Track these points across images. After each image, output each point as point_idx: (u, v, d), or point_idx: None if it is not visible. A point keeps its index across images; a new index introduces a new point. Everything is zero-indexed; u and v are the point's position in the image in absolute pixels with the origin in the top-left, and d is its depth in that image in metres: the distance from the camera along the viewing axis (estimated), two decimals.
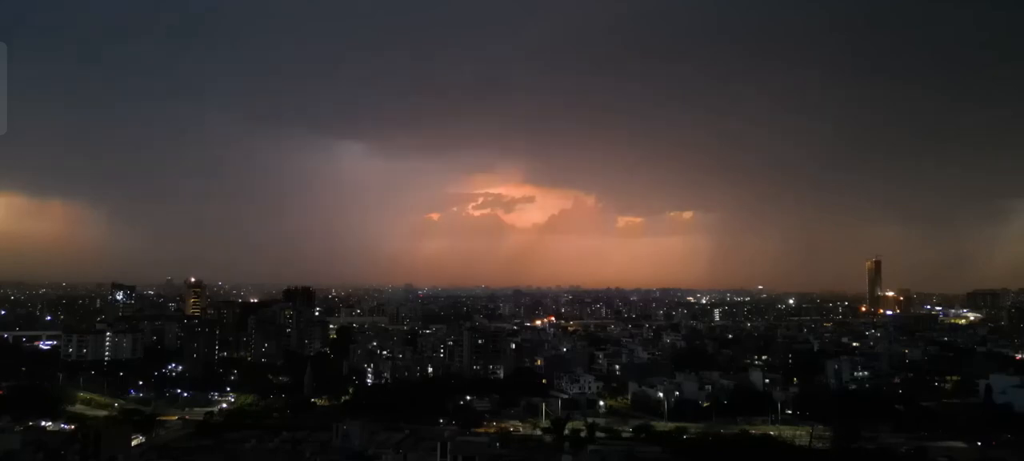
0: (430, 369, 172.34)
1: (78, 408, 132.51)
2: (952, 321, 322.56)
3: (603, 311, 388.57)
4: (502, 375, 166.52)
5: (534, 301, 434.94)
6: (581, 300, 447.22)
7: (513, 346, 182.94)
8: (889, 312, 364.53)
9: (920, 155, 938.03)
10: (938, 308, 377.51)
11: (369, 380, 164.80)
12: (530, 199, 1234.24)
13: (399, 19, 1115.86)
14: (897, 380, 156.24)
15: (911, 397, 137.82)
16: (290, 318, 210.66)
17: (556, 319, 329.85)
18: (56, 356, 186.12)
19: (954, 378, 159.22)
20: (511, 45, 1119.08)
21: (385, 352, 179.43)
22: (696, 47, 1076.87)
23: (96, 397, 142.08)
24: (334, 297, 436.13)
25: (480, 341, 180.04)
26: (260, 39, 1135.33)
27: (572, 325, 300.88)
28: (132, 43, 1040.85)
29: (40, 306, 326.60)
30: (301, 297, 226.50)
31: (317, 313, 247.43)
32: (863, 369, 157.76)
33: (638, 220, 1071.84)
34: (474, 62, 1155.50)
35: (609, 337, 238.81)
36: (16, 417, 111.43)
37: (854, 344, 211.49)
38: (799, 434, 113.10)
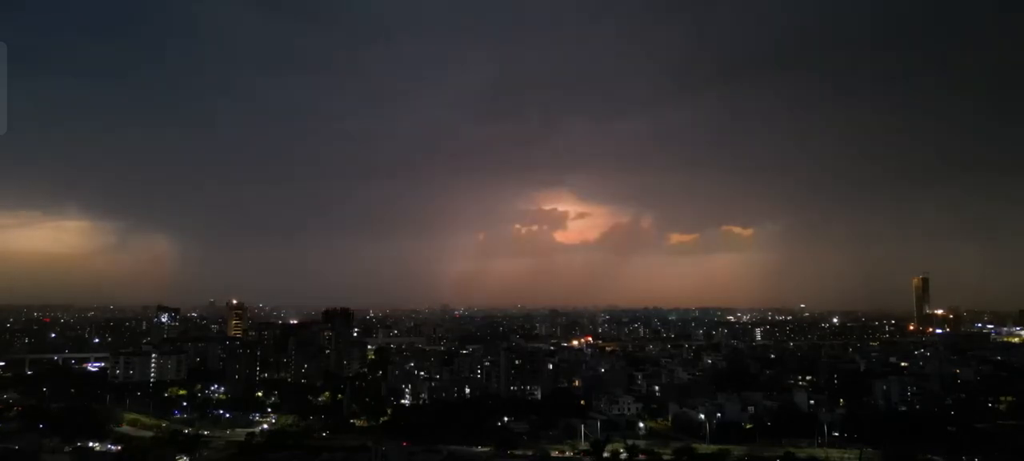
0: (467, 390, 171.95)
1: (124, 429, 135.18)
2: (1005, 340, 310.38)
3: (641, 331, 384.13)
4: (539, 396, 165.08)
5: (570, 321, 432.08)
6: (618, 320, 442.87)
7: (550, 366, 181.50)
8: (938, 331, 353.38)
9: (969, 172, 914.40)
10: (990, 326, 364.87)
11: (406, 401, 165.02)
12: (584, 216, 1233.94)
13: (459, 56, 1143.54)
14: (949, 401, 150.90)
15: (964, 419, 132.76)
16: (329, 339, 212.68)
17: (593, 339, 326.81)
18: (104, 377, 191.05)
19: (1009, 399, 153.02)
20: (574, 69, 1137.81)
21: (422, 373, 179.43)
22: (758, 73, 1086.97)
23: (142, 418, 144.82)
24: (372, 318, 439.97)
25: (517, 361, 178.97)
26: (301, 63, 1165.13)
27: (609, 345, 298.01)
28: (190, 72, 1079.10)
29: (89, 329, 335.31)
30: (340, 318, 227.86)
31: (355, 334, 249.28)
32: (913, 389, 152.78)
33: (688, 237, 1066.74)
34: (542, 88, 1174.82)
35: (648, 357, 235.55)
36: (65, 438, 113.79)
37: (902, 364, 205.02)
38: (847, 457, 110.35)
